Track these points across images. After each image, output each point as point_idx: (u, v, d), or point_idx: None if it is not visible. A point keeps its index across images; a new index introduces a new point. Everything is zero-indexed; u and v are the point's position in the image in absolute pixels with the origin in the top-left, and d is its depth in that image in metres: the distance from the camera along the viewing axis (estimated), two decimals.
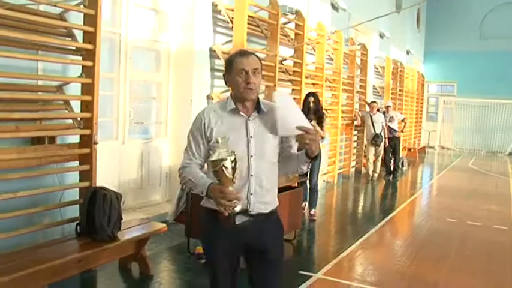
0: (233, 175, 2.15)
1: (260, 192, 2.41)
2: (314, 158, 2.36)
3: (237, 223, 2.32)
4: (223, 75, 2.48)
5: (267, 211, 2.45)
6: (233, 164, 2.13)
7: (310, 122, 6.26)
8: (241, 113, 2.40)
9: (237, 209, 2.24)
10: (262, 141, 2.39)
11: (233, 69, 2.36)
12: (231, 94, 2.46)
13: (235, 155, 2.15)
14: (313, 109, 6.63)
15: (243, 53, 2.41)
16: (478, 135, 20.08)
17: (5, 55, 3.71)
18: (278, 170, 2.53)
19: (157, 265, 4.58)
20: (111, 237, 3.90)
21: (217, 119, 2.40)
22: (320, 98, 7.21)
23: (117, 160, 5.67)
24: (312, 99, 6.70)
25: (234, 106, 2.40)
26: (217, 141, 2.18)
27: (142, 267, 4.32)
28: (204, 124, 2.41)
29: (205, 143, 2.43)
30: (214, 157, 2.12)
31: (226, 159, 2.12)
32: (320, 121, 6.63)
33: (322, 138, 6.81)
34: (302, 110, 6.53)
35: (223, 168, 2.12)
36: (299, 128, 2.22)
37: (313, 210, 6.83)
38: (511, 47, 19.04)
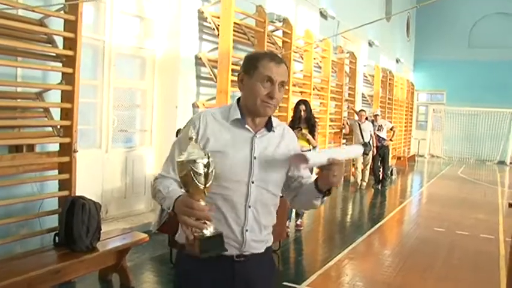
0: (205, 185, 1.64)
1: (257, 229, 1.93)
2: (327, 193, 1.92)
3: (203, 253, 1.66)
4: (239, 74, 1.95)
5: (262, 250, 1.98)
6: (206, 169, 1.63)
7: (301, 130, 6.25)
8: (248, 126, 1.91)
9: (207, 232, 1.66)
10: (268, 166, 1.91)
11: (257, 72, 1.86)
12: (238, 101, 1.96)
13: (209, 157, 1.65)
14: (304, 118, 6.46)
15: (274, 57, 1.90)
16: (468, 144, 20.18)
17: None
18: (291, 203, 2.12)
19: (139, 276, 4.48)
20: (89, 247, 3.81)
21: (216, 128, 1.88)
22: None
23: (100, 169, 5.58)
24: (303, 107, 6.52)
25: (240, 116, 1.90)
26: (190, 138, 1.69)
27: (123, 278, 4.22)
28: (198, 131, 1.86)
29: None
30: (182, 157, 1.63)
31: (198, 162, 1.62)
32: (312, 130, 6.48)
33: (314, 147, 6.61)
34: (293, 119, 6.52)
35: (193, 173, 1.61)
36: (331, 159, 1.80)
37: (299, 220, 6.69)
38: (499, 56, 19.21)
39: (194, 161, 1.61)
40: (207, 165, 1.63)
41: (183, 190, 1.73)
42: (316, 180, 1.92)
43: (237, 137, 1.88)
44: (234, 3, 6.36)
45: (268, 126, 1.95)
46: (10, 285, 3.20)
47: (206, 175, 1.63)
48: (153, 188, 1.92)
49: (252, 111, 1.90)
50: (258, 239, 1.94)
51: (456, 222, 7.73)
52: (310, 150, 6.41)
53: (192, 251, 1.66)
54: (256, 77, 1.86)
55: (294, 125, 6.40)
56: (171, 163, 1.89)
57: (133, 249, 4.63)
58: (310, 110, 6.68)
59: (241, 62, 1.98)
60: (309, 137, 6.40)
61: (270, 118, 1.97)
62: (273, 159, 1.92)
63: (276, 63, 1.87)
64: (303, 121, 6.47)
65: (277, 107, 1.97)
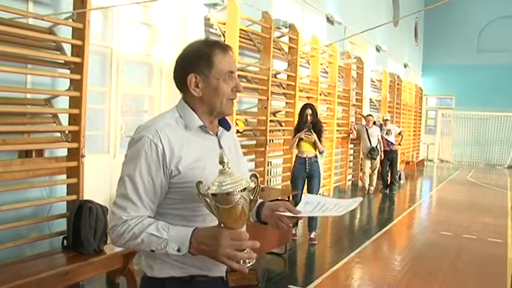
0: (250, 212, 1.52)
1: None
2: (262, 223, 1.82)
3: (261, 282, 1.56)
4: (185, 77, 1.68)
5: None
6: (253, 195, 1.50)
7: (311, 133, 6.10)
8: (210, 131, 1.71)
9: (254, 259, 1.53)
10: (239, 169, 1.70)
11: (215, 70, 1.64)
12: (186, 103, 1.71)
13: (258, 180, 1.51)
14: (311, 122, 6.25)
15: (223, 46, 1.69)
16: (477, 148, 20.10)
17: None
18: None
19: None
20: (97, 250, 3.89)
21: (181, 142, 1.61)
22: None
23: (109, 174, 5.64)
24: (309, 111, 6.32)
25: (202, 122, 1.68)
26: (221, 162, 1.48)
27: (130, 281, 4.27)
28: (164, 152, 1.58)
29: (166, 182, 1.60)
30: (226, 187, 1.44)
31: (244, 189, 1.46)
32: (319, 135, 6.28)
33: (321, 153, 6.47)
34: (298, 123, 6.45)
35: (243, 204, 1.45)
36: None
37: (313, 233, 6.27)
38: (508, 60, 19.15)
39: (243, 189, 1.45)
40: (255, 189, 1.50)
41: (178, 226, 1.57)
42: (260, 207, 1.79)
43: (205, 146, 1.67)
44: (240, 10, 6.43)
45: (224, 124, 1.78)
46: (19, 286, 3.28)
47: (252, 201, 1.50)
48: (121, 233, 1.57)
49: (216, 113, 1.70)
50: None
51: (464, 226, 7.72)
52: (315, 155, 6.32)
53: (245, 284, 1.56)
54: (216, 75, 1.65)
55: (300, 129, 6.25)
56: (137, 198, 1.58)
57: (141, 253, 4.68)
58: (317, 114, 6.51)
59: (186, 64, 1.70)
60: (317, 141, 6.22)
61: None
62: (239, 158, 1.82)
63: (229, 52, 1.68)
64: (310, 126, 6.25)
65: None
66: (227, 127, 1.78)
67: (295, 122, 8.18)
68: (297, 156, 6.40)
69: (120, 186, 1.62)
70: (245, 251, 1.48)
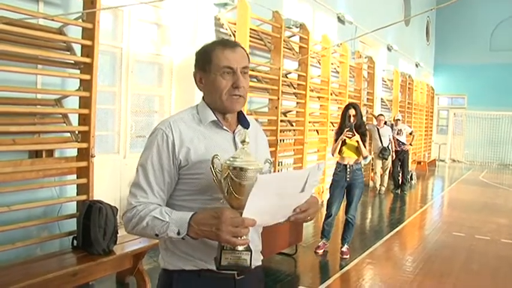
0: None
1: (256, 238, 1.78)
2: None
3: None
4: (195, 74, 1.77)
5: (260, 262, 1.84)
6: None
7: (353, 135, 5.57)
8: (225, 127, 1.74)
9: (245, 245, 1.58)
10: None
11: (213, 65, 1.68)
12: (204, 100, 1.77)
13: (270, 164, 1.65)
14: (354, 124, 5.63)
15: (226, 43, 1.73)
16: (490, 148, 19.86)
17: (4, 69, 3.74)
18: None
19: (155, 280, 4.50)
20: (106, 251, 3.88)
21: (192, 135, 1.68)
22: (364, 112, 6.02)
23: (119, 174, 5.66)
24: (352, 112, 5.68)
25: (215, 117, 1.72)
26: (244, 140, 1.58)
27: (140, 281, 4.28)
28: (174, 142, 1.65)
29: (175, 172, 1.68)
30: (246, 165, 1.52)
31: (260, 169, 1.55)
32: (363, 139, 5.65)
33: (365, 158, 5.75)
34: (340, 126, 5.86)
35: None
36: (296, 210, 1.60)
37: (345, 246, 5.73)
38: None
39: (259, 168, 1.54)
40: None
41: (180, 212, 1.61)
42: None
43: (217, 141, 1.71)
44: (250, 10, 6.41)
45: (243, 122, 1.79)
46: (29, 286, 3.29)
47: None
48: (130, 218, 1.65)
49: (220, 109, 1.73)
50: (258, 249, 1.80)
51: (476, 227, 7.63)
52: (358, 162, 5.72)
53: (237, 265, 1.57)
54: (214, 70, 1.68)
55: (342, 132, 5.66)
56: (147, 185, 1.66)
57: (150, 253, 4.69)
58: (361, 116, 5.89)
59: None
60: (360, 144, 5.59)
61: (241, 113, 1.81)
62: (260, 158, 1.74)
63: (232, 49, 1.69)
64: (353, 128, 5.65)
65: (246, 97, 1.76)
66: (245, 125, 1.79)
67: (306, 122, 8.21)
68: (337, 162, 5.82)
69: (135, 176, 1.71)
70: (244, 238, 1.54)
